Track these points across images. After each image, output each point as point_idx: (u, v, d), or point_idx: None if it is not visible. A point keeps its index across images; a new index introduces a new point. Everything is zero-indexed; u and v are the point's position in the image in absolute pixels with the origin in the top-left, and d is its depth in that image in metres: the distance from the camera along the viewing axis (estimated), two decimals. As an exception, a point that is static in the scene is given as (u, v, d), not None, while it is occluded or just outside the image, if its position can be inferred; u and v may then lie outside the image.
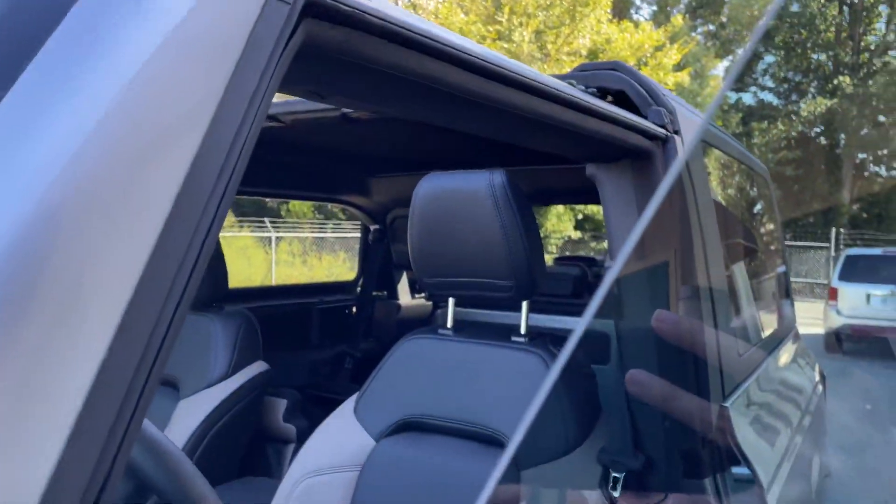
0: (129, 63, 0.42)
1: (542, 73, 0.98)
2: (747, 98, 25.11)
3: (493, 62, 0.78)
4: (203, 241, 0.43)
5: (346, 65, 0.64)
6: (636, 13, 27.48)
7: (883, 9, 25.91)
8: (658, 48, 18.32)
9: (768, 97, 25.61)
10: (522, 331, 1.45)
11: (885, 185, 24.79)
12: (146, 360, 0.39)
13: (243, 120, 0.47)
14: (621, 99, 1.34)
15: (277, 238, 13.92)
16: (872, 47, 24.96)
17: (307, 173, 2.81)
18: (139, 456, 0.67)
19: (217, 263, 2.13)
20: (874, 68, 22.69)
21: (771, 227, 2.39)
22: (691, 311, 1.33)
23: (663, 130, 1.34)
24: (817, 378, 2.61)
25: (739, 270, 1.88)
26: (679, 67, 18.37)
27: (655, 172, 1.34)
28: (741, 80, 25.44)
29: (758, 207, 2.35)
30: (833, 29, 25.40)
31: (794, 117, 23.31)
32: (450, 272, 1.47)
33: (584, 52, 17.96)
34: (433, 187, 1.46)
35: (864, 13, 24.99)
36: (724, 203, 1.89)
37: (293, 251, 14.27)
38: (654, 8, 27.52)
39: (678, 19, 21.19)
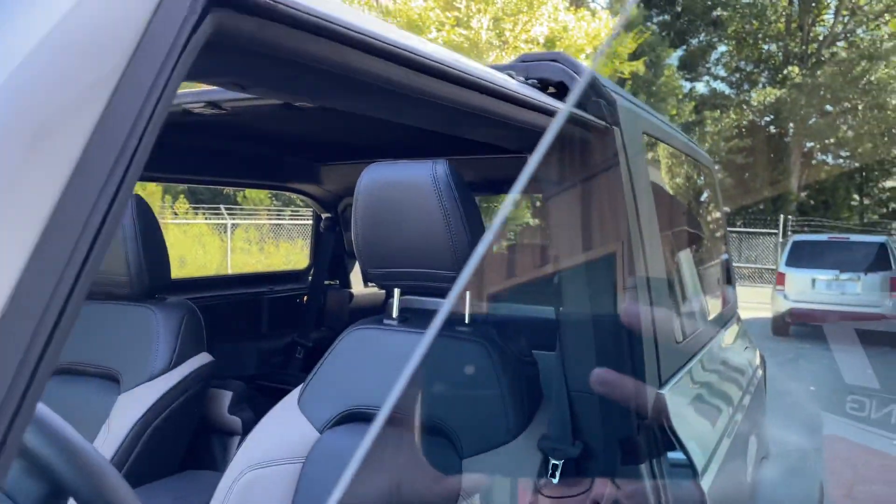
0: (13, 50, 0.40)
1: (478, 65, 0.97)
2: (700, 87, 25.56)
3: (419, 53, 0.77)
4: (97, 231, 0.42)
5: (263, 56, 0.62)
6: (593, 1, 27.65)
7: (831, 0, 26.59)
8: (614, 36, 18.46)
9: (721, 86, 26.11)
10: (466, 320, 1.47)
11: (832, 172, 25.52)
12: (29, 359, 0.38)
13: (140, 112, 0.45)
14: (562, 90, 1.35)
15: (233, 225, 13.71)
16: (821, 38, 25.57)
17: (255, 161, 2.76)
18: (52, 455, 0.66)
19: (158, 253, 2.07)
20: (822, 58, 23.29)
21: (716, 215, 2.45)
22: (631, 298, 1.35)
23: (602, 122, 1.34)
24: (757, 362, 2.68)
25: (682, 258, 1.92)
26: (635, 56, 18.59)
27: (595, 164, 1.35)
28: (695, 70, 25.87)
29: (703, 197, 2.40)
30: (783, 20, 25.96)
31: (745, 106, 23.81)
32: (394, 263, 1.46)
33: (541, 40, 18.03)
34: (376, 177, 1.45)
35: (813, 4, 25.60)
36: (667, 193, 1.93)
37: (250, 238, 14.08)
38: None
39: (634, 9, 21.36)
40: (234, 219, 13.78)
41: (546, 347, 1.76)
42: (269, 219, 15.58)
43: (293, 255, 13.27)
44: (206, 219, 13.87)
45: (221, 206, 13.58)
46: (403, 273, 1.46)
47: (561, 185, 1.37)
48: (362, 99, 0.84)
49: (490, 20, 17.13)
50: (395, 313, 1.56)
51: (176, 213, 13.80)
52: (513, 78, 1.16)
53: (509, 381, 1.36)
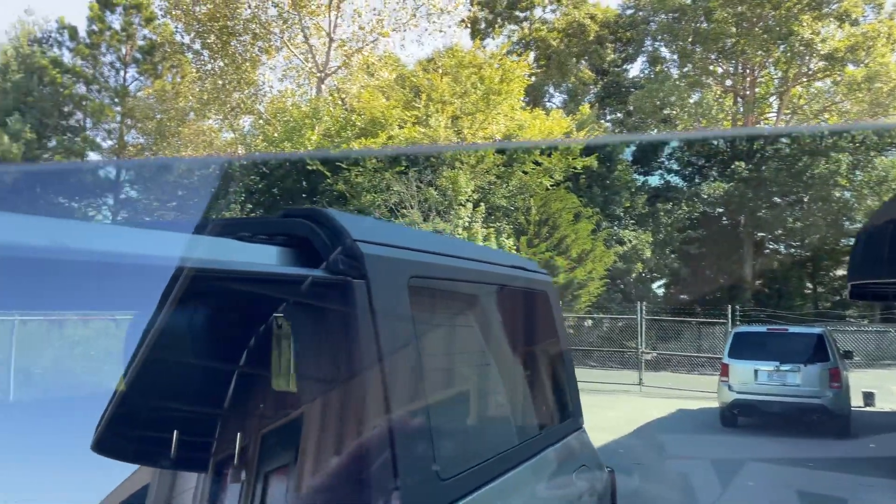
0: None
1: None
2: (654, 180, 26.51)
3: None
4: None
5: None
6: (549, 101, 29.00)
7: (773, 100, 28.20)
8: (567, 134, 19.28)
9: (674, 179, 27.11)
10: None
11: (784, 262, 26.33)
12: None
13: None
14: (307, 245, 1.43)
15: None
16: (765, 135, 26.89)
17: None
18: None
19: None
20: (766, 154, 24.44)
21: (551, 336, 2.46)
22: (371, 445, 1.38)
23: (341, 277, 1.39)
24: (600, 483, 2.56)
25: (472, 389, 1.96)
26: (588, 152, 19.33)
27: (339, 316, 1.41)
28: (648, 164, 26.94)
29: (538, 319, 2.42)
30: (729, 118, 27.38)
31: (696, 199, 24.71)
32: None
33: (498, 137, 18.75)
34: None
35: (755, 104, 27.10)
36: (462, 330, 1.97)
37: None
38: (566, 97, 29.13)
39: (586, 108, 22.48)
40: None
41: None
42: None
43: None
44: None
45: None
46: None
47: (310, 336, 1.44)
48: None
49: (447, 119, 17.80)
50: None
51: None
52: (244, 240, 1.31)
53: None
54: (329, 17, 21.54)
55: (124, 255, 1.11)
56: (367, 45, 21.88)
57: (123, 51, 26.61)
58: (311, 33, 22.05)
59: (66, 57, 26.53)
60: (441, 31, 21.67)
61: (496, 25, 28.09)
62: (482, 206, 16.24)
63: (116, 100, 26.43)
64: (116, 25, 26.55)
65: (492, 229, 16.62)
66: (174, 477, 1.71)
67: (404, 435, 1.42)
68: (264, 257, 1.35)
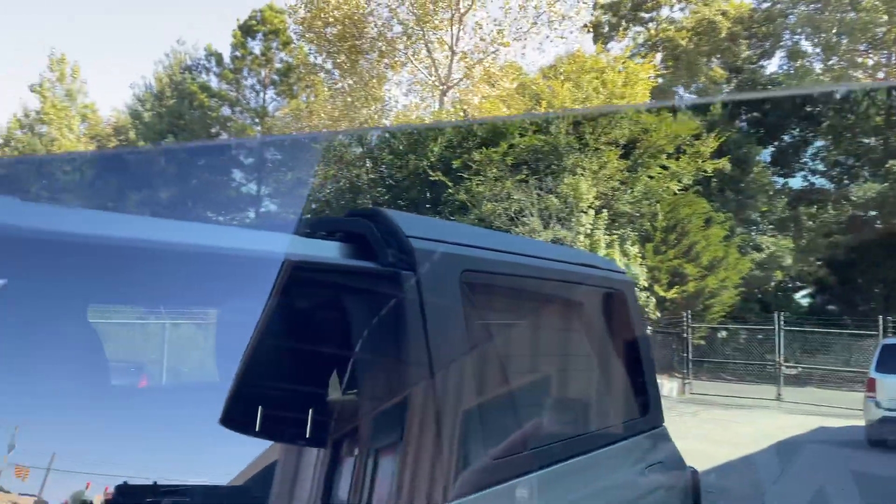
0: None
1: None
2: (795, 183, 24.79)
3: None
4: None
5: None
6: (678, 102, 27.86)
7: (935, 91, 25.58)
8: (696, 136, 18.43)
9: (819, 181, 25.25)
10: None
11: (951, 269, 23.73)
12: None
13: None
14: (362, 242, 1.55)
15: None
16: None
17: None
18: None
19: None
20: (927, 151, 22.22)
21: (628, 332, 2.40)
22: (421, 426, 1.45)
23: (391, 269, 1.51)
24: (679, 481, 2.51)
25: (531, 379, 1.94)
26: (720, 154, 18.39)
27: (389, 306, 1.50)
28: (788, 166, 25.21)
29: (612, 317, 2.37)
30: (882, 113, 25.13)
31: (844, 201, 22.84)
32: None
33: (622, 142, 18.26)
34: None
35: (914, 97, 24.72)
36: (525, 321, 1.97)
37: None
38: (695, 97, 27.89)
39: (717, 108, 21.45)
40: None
41: None
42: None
43: None
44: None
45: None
46: None
47: (362, 325, 1.51)
48: None
49: (568, 125, 17.58)
50: None
51: None
52: (307, 235, 1.40)
53: None
54: (451, 30, 21.94)
55: (212, 248, 1.22)
56: (487, 55, 22.06)
57: (263, 74, 28.47)
58: (434, 47, 22.53)
59: (213, 82, 28.78)
60: (562, 38, 21.38)
61: (620, 28, 27.44)
62: (604, 213, 15.86)
63: (257, 120, 28.32)
64: (257, 50, 28.48)
65: (615, 236, 16.19)
66: (298, 453, 1.82)
67: (452, 418, 1.51)
68: (325, 251, 1.47)
